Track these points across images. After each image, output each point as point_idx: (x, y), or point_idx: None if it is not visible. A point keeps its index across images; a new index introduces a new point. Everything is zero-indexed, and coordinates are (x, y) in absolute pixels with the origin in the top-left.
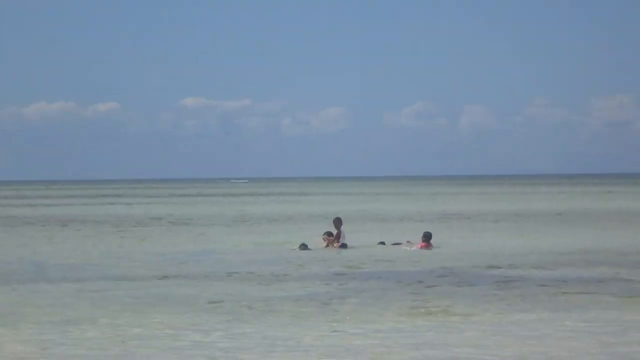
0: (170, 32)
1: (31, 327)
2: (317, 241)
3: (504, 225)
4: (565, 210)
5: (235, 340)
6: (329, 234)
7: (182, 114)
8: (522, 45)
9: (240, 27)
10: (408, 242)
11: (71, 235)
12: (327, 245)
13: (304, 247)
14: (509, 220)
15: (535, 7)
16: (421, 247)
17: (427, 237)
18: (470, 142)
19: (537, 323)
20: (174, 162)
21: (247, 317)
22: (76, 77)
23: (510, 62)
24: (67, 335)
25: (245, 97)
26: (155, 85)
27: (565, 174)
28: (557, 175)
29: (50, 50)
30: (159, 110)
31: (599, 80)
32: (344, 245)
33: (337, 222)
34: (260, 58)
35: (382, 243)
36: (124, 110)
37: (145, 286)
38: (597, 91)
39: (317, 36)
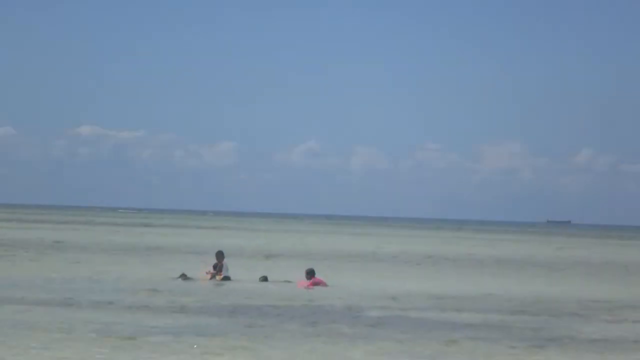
0: (69, 57)
1: None
2: (199, 273)
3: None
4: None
5: None
6: (215, 266)
7: (77, 142)
8: (417, 87)
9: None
10: (287, 280)
11: None
12: (211, 278)
13: (184, 277)
14: (387, 262)
15: (432, 50)
16: (308, 285)
17: (310, 273)
18: (360, 183)
19: None
20: (65, 188)
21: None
22: None
23: (403, 104)
24: None
25: (141, 128)
26: (50, 111)
27: (447, 219)
28: (440, 220)
29: None
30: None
31: (489, 127)
32: (226, 278)
33: (219, 255)
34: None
35: (265, 279)
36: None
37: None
38: (487, 138)
39: (204, 68)
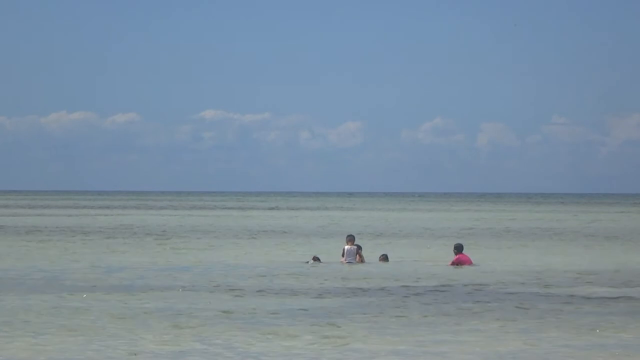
0: (191, 43)
1: None
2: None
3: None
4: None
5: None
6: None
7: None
8: (540, 60)
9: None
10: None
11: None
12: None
13: (316, 260)
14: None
15: (550, 29)
16: (453, 262)
17: (457, 248)
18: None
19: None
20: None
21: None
22: (95, 87)
23: (529, 78)
24: None
25: (265, 110)
26: (175, 96)
27: (583, 193)
28: (576, 194)
29: (62, 59)
30: (179, 122)
31: (616, 98)
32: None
33: (351, 239)
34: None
35: (385, 257)
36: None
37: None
38: (615, 109)
39: (329, 49)
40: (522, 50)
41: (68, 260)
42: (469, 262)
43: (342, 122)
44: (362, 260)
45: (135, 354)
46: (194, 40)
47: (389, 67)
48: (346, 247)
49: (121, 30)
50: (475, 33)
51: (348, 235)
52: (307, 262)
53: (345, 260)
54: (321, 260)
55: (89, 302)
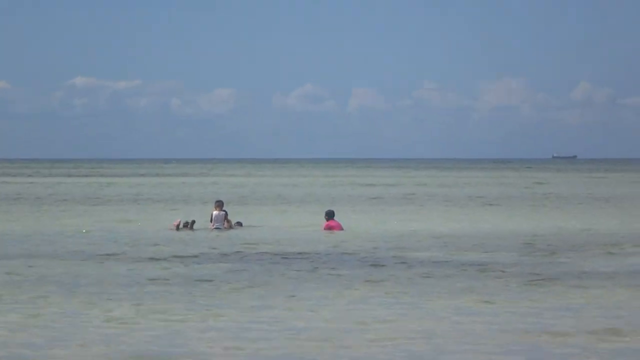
0: (61, 9)
1: None
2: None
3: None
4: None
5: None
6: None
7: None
8: (412, 27)
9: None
10: None
11: None
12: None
13: (186, 225)
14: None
15: None
16: (325, 227)
17: (329, 214)
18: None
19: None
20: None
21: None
22: None
23: (400, 45)
24: None
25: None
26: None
27: (451, 158)
28: (443, 159)
29: None
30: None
31: (486, 64)
32: (239, 224)
33: (219, 204)
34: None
35: (239, 224)
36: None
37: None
38: (486, 75)
39: (202, 14)
40: (393, 16)
41: None
42: (339, 228)
43: (213, 88)
44: (230, 226)
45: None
46: (63, 6)
47: (260, 35)
48: (214, 212)
49: None
50: (347, 2)
51: (216, 201)
52: (181, 228)
53: (213, 225)
54: (189, 224)
55: None
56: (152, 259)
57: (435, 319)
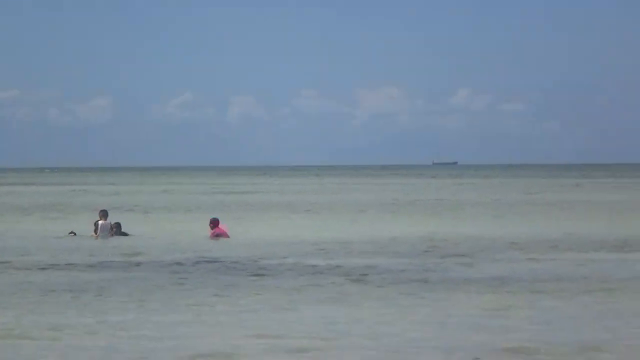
0: None
1: None
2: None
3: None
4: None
5: None
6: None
7: None
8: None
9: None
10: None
11: None
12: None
13: (72, 234)
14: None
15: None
16: (211, 235)
17: (214, 222)
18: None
19: None
20: None
21: None
22: None
23: (276, 55)
24: None
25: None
26: None
27: (331, 165)
28: (324, 167)
29: None
30: None
31: (364, 71)
32: (123, 234)
33: (103, 214)
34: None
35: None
36: None
37: None
38: (364, 83)
39: (76, 21)
40: (270, 25)
41: None
42: (226, 235)
43: (91, 98)
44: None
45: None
46: None
47: (135, 39)
48: (100, 222)
49: None
50: (224, 11)
51: (101, 210)
52: (65, 236)
53: (98, 235)
54: (76, 234)
55: None
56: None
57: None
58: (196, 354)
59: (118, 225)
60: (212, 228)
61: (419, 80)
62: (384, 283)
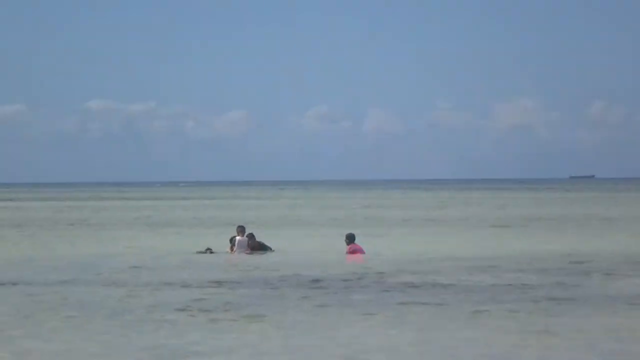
0: (78, 33)
1: None
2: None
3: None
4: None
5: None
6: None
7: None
8: (426, 50)
9: (148, 29)
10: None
11: None
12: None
13: (208, 251)
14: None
15: (436, 13)
16: (347, 252)
17: (349, 238)
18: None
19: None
20: (79, 165)
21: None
22: None
23: (413, 64)
24: None
25: (151, 100)
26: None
27: (465, 179)
28: (461, 180)
29: None
30: (65, 112)
31: (499, 84)
32: (268, 248)
33: (241, 229)
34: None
35: (210, 250)
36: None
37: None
38: (499, 95)
39: (221, 38)
40: (406, 36)
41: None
42: (361, 252)
43: (227, 111)
44: (253, 250)
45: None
46: (79, 29)
47: (272, 53)
48: (237, 238)
49: (3, 19)
50: (355, 21)
51: (238, 226)
52: (201, 252)
53: (235, 251)
54: (213, 250)
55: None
56: (173, 284)
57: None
58: None
59: (251, 235)
60: (347, 244)
61: (555, 93)
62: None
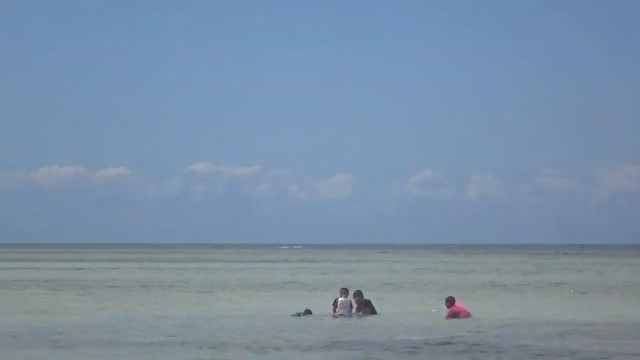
0: (180, 96)
1: None
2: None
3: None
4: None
5: None
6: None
7: (191, 179)
8: (530, 113)
9: (247, 91)
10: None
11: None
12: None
13: (307, 312)
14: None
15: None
16: (447, 315)
17: (450, 301)
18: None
19: None
20: (183, 226)
21: None
22: (86, 140)
23: (517, 130)
24: None
25: (256, 163)
26: (164, 150)
27: (572, 244)
28: (565, 245)
29: (58, 112)
30: (168, 175)
31: (605, 150)
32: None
33: (355, 293)
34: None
35: (309, 312)
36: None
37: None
38: (604, 161)
39: (320, 101)
40: (509, 100)
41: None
42: (466, 314)
43: (331, 175)
44: (359, 310)
45: None
46: (182, 94)
47: (377, 118)
48: (340, 299)
49: (107, 82)
50: (456, 82)
51: (342, 288)
52: (299, 314)
53: (337, 312)
54: (312, 312)
55: None
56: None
57: None
58: None
59: (368, 302)
60: (448, 307)
61: None
62: None
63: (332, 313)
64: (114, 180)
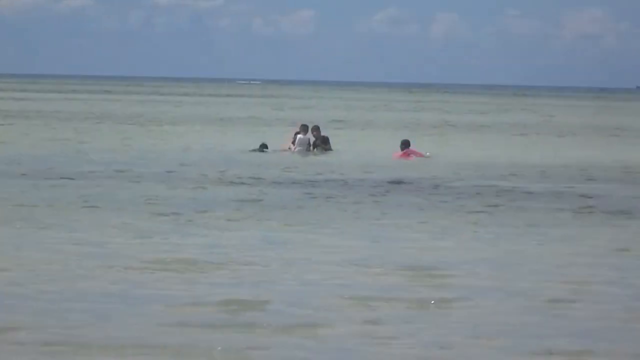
0: None
1: None
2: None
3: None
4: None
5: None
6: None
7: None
8: None
9: None
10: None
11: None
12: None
13: (263, 147)
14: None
15: None
16: (400, 156)
17: (404, 144)
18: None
19: None
20: (144, 59)
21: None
22: None
23: None
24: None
25: None
26: None
27: (533, 86)
28: (526, 87)
29: None
30: (132, 6)
31: None
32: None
33: (312, 128)
34: None
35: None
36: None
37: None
38: (569, 2)
39: None
40: None
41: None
42: (419, 154)
43: (295, 11)
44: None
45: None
46: None
47: None
48: (299, 135)
49: None
50: None
51: (302, 124)
52: (255, 150)
53: (295, 149)
54: (268, 148)
55: None
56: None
57: None
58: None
59: (326, 139)
60: (402, 149)
61: (625, 2)
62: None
63: (289, 149)
64: (77, 10)
